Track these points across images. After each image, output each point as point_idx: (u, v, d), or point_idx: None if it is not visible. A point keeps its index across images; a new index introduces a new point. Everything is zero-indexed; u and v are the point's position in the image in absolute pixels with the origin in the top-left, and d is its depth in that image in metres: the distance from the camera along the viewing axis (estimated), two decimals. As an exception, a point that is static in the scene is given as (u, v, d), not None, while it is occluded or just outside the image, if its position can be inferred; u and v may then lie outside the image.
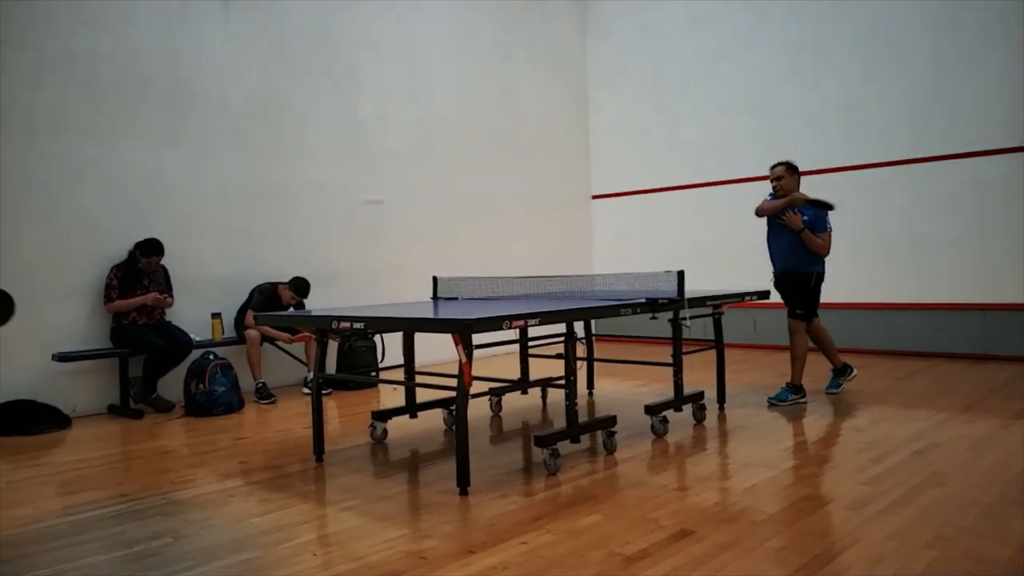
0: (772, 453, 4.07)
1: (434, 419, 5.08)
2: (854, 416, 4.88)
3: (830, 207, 5.41)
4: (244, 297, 6.40)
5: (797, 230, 5.31)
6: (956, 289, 7.39)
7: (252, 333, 6.13)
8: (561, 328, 4.20)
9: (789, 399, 5.35)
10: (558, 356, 4.54)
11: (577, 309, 3.92)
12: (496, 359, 7.23)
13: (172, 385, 5.82)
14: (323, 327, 4.06)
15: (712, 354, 5.28)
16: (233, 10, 6.61)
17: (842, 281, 7.65)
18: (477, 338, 3.86)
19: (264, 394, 6.04)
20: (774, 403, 5.34)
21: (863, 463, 3.77)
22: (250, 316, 6.09)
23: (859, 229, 7.86)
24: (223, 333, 6.29)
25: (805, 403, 5.36)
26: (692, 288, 4.81)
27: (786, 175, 5.46)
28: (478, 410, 5.34)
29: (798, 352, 5.42)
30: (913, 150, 7.60)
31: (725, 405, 5.25)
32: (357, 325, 3.77)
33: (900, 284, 7.71)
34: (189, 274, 6.25)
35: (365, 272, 7.56)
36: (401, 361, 4.81)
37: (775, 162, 5.58)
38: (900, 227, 7.71)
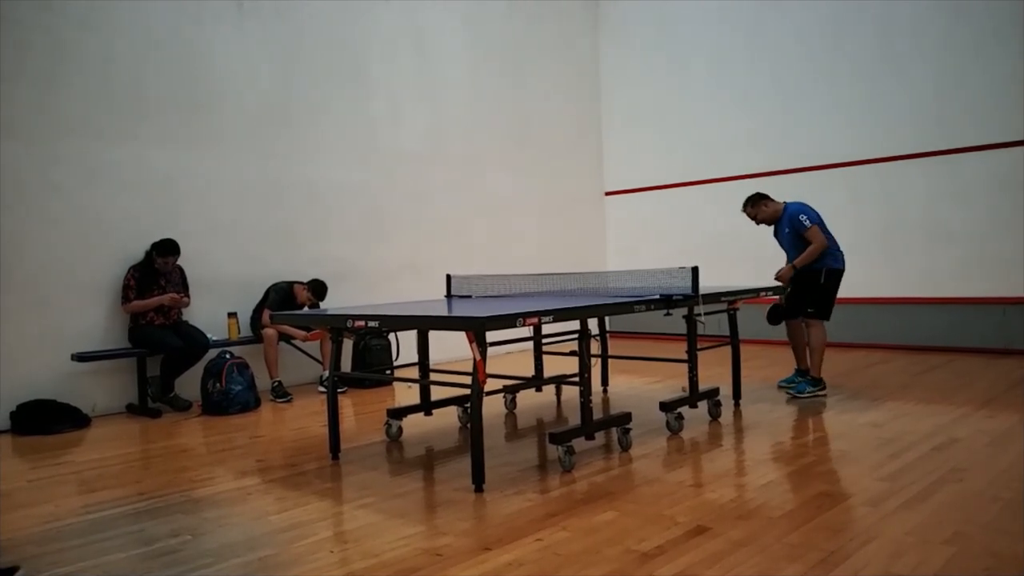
0: (788, 449, 4.05)
1: (449, 417, 5.09)
2: (872, 412, 4.84)
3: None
4: (260, 296, 6.44)
5: (790, 275, 5.40)
6: (974, 283, 7.31)
7: (269, 332, 6.16)
8: (575, 325, 4.20)
9: (807, 391, 5.35)
10: (572, 353, 4.54)
11: (591, 306, 3.91)
12: (510, 356, 7.24)
13: (189, 384, 5.86)
14: (338, 326, 4.08)
15: (727, 350, 5.26)
16: (247, 12, 6.65)
17: (859, 276, 7.60)
18: (491, 336, 3.86)
19: (280, 393, 6.08)
20: (795, 395, 5.36)
21: (881, 459, 3.74)
22: (267, 315, 6.13)
23: (875, 223, 7.81)
24: (239, 332, 6.33)
25: (824, 395, 5.38)
26: (706, 284, 4.79)
27: (753, 209, 5.61)
28: (493, 407, 5.35)
29: (816, 346, 5.42)
30: (929, 143, 7.53)
31: (741, 401, 5.23)
32: (372, 324, 3.78)
33: (917, 278, 7.64)
34: (205, 274, 6.29)
35: (379, 271, 7.59)
36: (416, 359, 4.82)
37: (743, 204, 5.69)
38: (917, 221, 7.65)
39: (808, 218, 5.38)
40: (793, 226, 5.43)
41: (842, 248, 5.53)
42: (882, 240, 7.77)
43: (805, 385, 5.39)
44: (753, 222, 5.71)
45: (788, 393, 5.47)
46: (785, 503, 3.14)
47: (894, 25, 7.69)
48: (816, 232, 5.35)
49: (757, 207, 5.60)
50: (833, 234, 5.53)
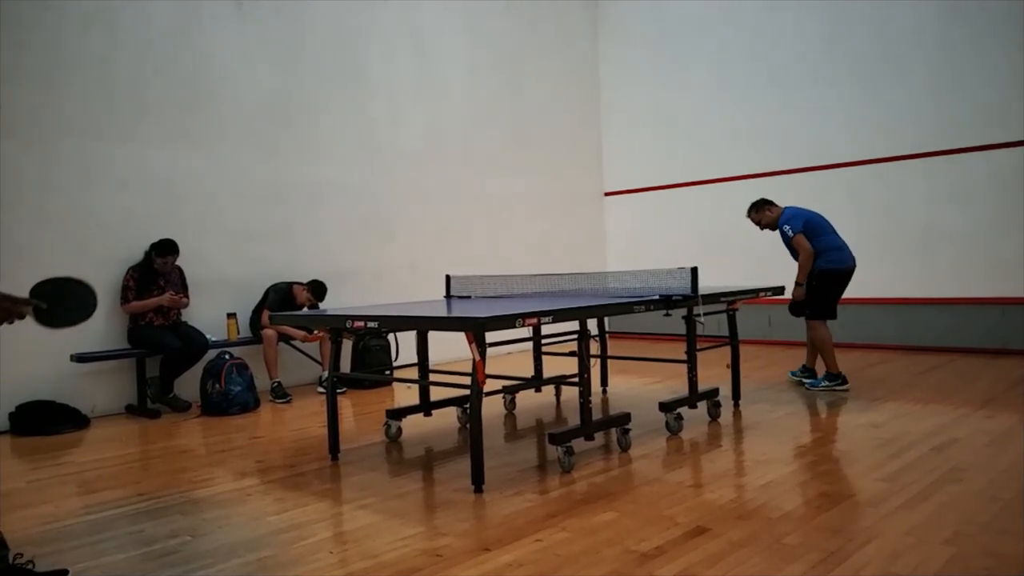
0: (788, 449, 4.05)
1: (448, 417, 5.09)
2: (871, 412, 4.84)
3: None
4: (259, 297, 6.43)
5: (802, 292, 5.54)
6: (973, 283, 7.31)
7: (269, 332, 6.16)
8: (574, 326, 4.20)
9: (822, 384, 5.53)
10: (571, 354, 4.54)
11: (590, 307, 3.91)
12: (510, 357, 7.24)
13: (188, 385, 5.86)
14: (337, 326, 4.08)
15: (726, 351, 5.26)
16: (246, 11, 6.64)
17: (859, 276, 7.61)
18: (490, 336, 3.87)
19: (280, 393, 6.07)
20: (809, 387, 5.57)
21: (880, 459, 3.74)
22: (266, 316, 6.13)
23: (875, 224, 7.80)
24: (238, 333, 6.33)
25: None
26: (706, 284, 4.79)
27: (757, 215, 5.75)
28: (492, 408, 5.35)
29: (819, 344, 5.52)
30: (929, 143, 7.52)
31: (740, 402, 5.23)
32: (371, 324, 3.78)
33: (917, 279, 7.64)
34: (204, 274, 6.29)
35: (379, 271, 7.59)
36: (415, 360, 4.82)
37: (747, 210, 5.86)
38: (916, 221, 7.64)
39: (791, 228, 5.51)
40: (782, 233, 5.61)
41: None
42: (882, 240, 7.76)
43: (821, 380, 5.54)
44: (758, 228, 5.82)
45: (804, 385, 5.66)
46: (785, 503, 3.14)
47: (893, 25, 7.69)
48: (800, 241, 5.47)
49: (760, 213, 5.72)
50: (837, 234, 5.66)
